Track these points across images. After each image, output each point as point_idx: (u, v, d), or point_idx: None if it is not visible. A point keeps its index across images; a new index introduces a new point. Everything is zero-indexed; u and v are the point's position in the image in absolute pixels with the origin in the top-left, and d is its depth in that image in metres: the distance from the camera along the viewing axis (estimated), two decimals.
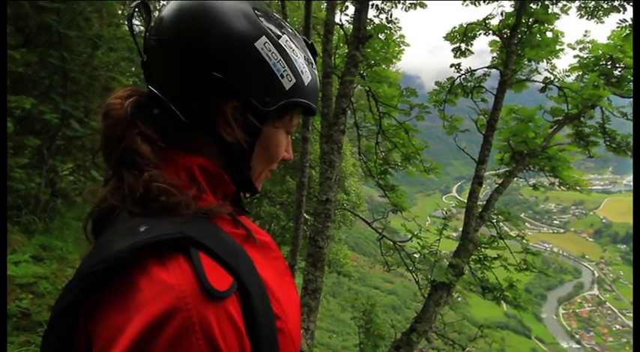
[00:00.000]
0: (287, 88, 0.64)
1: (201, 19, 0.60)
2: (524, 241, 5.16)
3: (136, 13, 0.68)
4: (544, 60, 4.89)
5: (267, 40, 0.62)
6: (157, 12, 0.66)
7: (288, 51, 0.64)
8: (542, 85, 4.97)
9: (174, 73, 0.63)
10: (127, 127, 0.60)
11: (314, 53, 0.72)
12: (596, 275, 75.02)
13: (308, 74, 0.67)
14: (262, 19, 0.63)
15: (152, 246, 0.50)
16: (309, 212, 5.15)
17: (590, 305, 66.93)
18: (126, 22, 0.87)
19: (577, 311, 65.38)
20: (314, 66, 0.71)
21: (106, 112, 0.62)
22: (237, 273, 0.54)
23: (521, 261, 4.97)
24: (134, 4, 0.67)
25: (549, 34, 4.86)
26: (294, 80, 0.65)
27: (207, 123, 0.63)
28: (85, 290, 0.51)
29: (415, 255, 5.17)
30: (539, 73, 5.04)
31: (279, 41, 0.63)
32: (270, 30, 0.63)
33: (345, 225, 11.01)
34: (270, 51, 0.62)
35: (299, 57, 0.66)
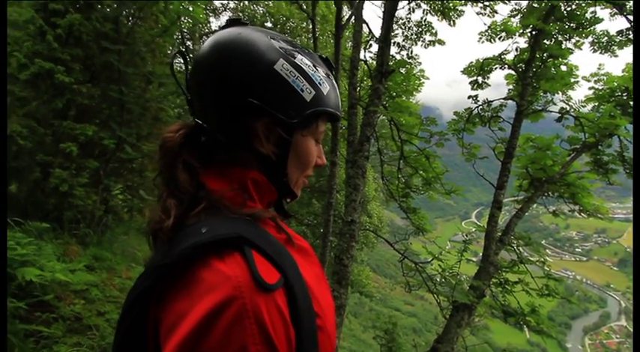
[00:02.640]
0: (308, 100, 0.68)
1: (224, 55, 0.67)
2: (545, 267, 4.94)
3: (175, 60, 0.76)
4: (559, 92, 4.84)
5: (285, 61, 0.67)
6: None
7: (304, 67, 0.68)
8: (558, 115, 4.89)
9: (211, 103, 0.69)
10: (175, 157, 0.68)
11: (330, 66, 0.76)
12: (623, 305, 69.34)
13: (326, 85, 0.71)
14: (278, 44, 0.68)
15: (212, 244, 0.56)
16: (334, 232, 5.14)
17: (618, 336, 61.48)
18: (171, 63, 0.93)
19: (604, 342, 60.15)
20: (331, 77, 0.74)
21: (161, 144, 0.70)
22: (284, 271, 0.57)
23: (543, 285, 4.74)
24: (173, 53, 0.76)
25: (564, 68, 4.82)
26: (313, 92, 0.69)
27: (244, 141, 0.68)
28: (154, 281, 0.57)
29: (436, 278, 5.03)
30: (555, 104, 4.98)
31: (295, 60, 0.68)
32: (286, 52, 0.68)
33: (367, 247, 10.83)
34: (288, 70, 0.67)
35: (315, 71, 0.70)
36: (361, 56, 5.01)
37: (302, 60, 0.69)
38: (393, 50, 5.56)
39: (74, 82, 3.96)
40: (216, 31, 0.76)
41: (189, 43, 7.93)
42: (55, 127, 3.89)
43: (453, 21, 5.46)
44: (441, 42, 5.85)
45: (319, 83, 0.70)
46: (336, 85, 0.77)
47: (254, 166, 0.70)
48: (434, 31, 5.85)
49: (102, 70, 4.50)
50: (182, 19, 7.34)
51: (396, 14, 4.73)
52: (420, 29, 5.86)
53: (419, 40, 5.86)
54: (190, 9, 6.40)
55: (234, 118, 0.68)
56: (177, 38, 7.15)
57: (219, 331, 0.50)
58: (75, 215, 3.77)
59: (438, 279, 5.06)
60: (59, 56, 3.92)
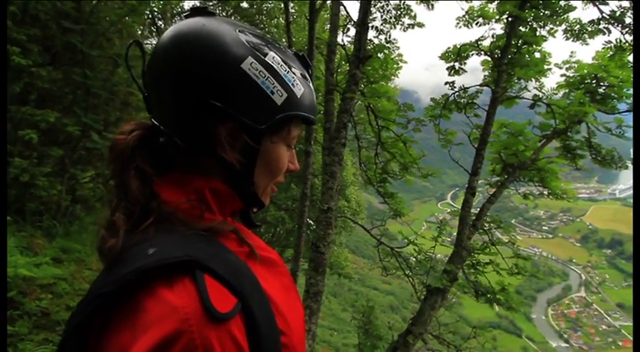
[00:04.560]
0: (279, 104, 0.61)
1: (186, 50, 0.59)
2: (515, 247, 5.11)
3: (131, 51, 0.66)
4: (533, 79, 4.88)
5: (254, 60, 0.59)
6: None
7: (276, 67, 0.61)
8: (531, 101, 4.95)
9: (170, 102, 0.61)
10: (127, 162, 0.59)
11: (306, 65, 0.69)
12: (583, 278, 73.97)
13: (300, 87, 0.64)
14: (247, 40, 0.60)
15: (159, 269, 0.49)
16: (312, 217, 5.11)
17: (577, 306, 65.90)
18: (130, 57, 0.82)
19: (565, 312, 64.37)
20: (306, 77, 0.67)
21: (111, 147, 0.61)
22: (242, 293, 0.52)
23: (513, 265, 4.91)
24: (128, 44, 0.66)
25: (537, 55, 4.85)
26: (285, 95, 0.62)
27: (206, 146, 0.61)
28: (94, 310, 0.50)
29: (412, 260, 5.12)
30: (529, 91, 5.04)
31: (266, 59, 0.61)
32: (256, 49, 0.60)
33: (345, 231, 10.95)
34: (257, 70, 0.59)
35: (288, 72, 0.63)
36: (338, 40, 4.87)
37: (274, 58, 0.61)
38: (371, 34, 5.43)
39: (33, 64, 3.66)
40: (186, 12, 0.66)
41: (160, 22, 7.51)
42: (12, 113, 3.60)
43: (432, 4, 5.36)
44: (420, 25, 5.76)
45: (292, 84, 0.62)
46: (312, 85, 0.68)
47: (217, 174, 0.62)
48: (413, 14, 5.74)
49: (64, 51, 4.18)
50: None
51: None
52: (399, 12, 5.74)
53: (397, 24, 5.75)
54: None
55: (194, 121, 0.59)
56: (147, 18, 6.74)
57: None
58: (37, 206, 3.55)
59: (414, 263, 5.17)
60: (14, 36, 3.61)
